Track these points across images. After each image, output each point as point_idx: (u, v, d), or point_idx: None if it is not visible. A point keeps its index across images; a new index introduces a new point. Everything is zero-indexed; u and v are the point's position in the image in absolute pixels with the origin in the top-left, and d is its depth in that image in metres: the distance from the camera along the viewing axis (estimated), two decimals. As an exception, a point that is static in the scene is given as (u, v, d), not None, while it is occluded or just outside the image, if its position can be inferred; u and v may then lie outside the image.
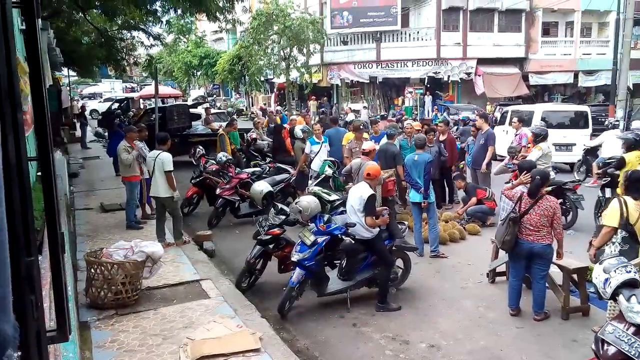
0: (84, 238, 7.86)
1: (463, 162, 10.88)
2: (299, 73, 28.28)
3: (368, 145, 7.85)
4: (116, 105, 26.93)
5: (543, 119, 13.65)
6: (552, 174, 8.68)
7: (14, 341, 1.07)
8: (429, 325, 5.51)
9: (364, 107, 27.63)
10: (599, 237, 5.18)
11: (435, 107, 25.96)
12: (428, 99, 27.87)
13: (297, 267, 5.62)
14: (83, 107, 24.01)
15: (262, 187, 8.73)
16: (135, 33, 19.12)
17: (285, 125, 13.71)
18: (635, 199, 5.00)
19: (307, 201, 6.04)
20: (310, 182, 9.53)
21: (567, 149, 13.95)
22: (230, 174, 9.57)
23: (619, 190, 7.46)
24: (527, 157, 8.35)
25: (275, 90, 36.15)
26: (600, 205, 8.45)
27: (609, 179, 8.24)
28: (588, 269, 5.50)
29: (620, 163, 7.70)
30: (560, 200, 7.96)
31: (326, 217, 6.05)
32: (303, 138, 10.33)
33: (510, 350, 4.99)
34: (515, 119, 10.96)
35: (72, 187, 11.57)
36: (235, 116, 22.98)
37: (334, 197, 8.15)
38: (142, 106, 26.05)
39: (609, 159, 9.52)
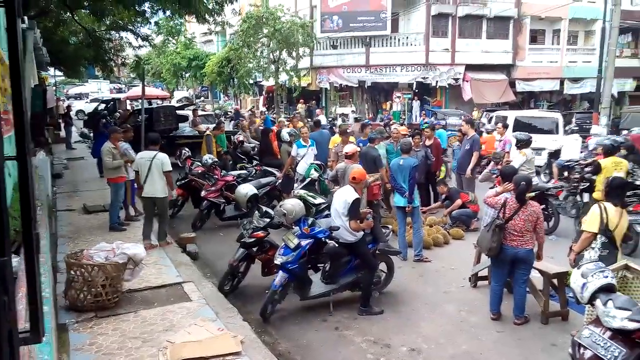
0: (65, 239, 7.77)
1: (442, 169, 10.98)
2: (288, 76, 28.27)
3: (350, 148, 7.87)
4: (103, 106, 26.72)
5: (515, 124, 14.28)
6: (535, 180, 8.78)
7: None
8: (411, 329, 5.53)
9: (352, 111, 27.69)
10: (578, 243, 5.23)
11: (424, 112, 26.10)
12: (416, 104, 28.01)
13: (281, 270, 5.61)
14: (68, 108, 23.71)
15: (246, 189, 8.71)
16: (123, 34, 19.01)
17: (272, 128, 13.70)
18: (615, 205, 5.06)
19: (291, 204, 6.05)
20: (296, 185, 9.53)
21: (537, 153, 14.40)
22: (216, 177, 9.54)
23: (595, 195, 7.66)
24: (510, 163, 8.43)
25: (264, 93, 36.08)
26: (579, 209, 8.62)
27: (587, 184, 8.38)
28: (568, 274, 5.55)
29: (597, 168, 7.82)
30: (543, 206, 8.06)
31: (310, 220, 6.06)
32: (290, 141, 10.34)
33: (491, 354, 5.02)
34: (499, 125, 11.10)
35: (55, 187, 11.45)
36: (222, 118, 22.90)
37: (319, 200, 8.19)
38: (129, 107, 25.83)
39: (567, 161, 10.39)
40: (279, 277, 5.60)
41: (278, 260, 5.61)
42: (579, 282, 3.68)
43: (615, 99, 28.05)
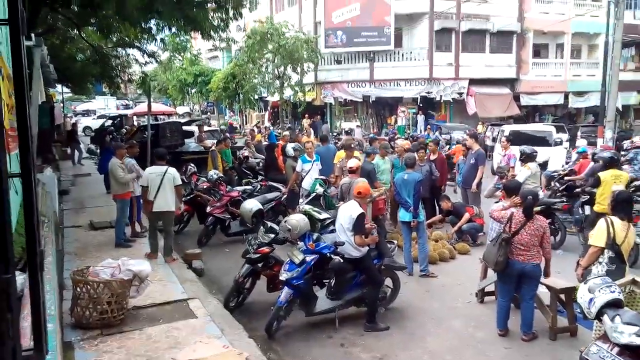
0: (72, 256, 7.78)
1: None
2: (292, 91, 28.46)
3: (353, 162, 7.89)
4: (109, 122, 26.92)
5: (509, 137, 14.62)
6: (541, 194, 8.76)
7: None
8: (418, 345, 5.49)
9: (357, 125, 27.80)
10: (586, 257, 5.20)
11: (429, 126, 26.17)
12: (421, 118, 28.09)
13: (286, 286, 5.59)
14: (74, 125, 23.39)
15: (251, 205, 8.71)
16: (130, 50, 19.25)
17: (277, 143, 13.75)
18: (621, 219, 5.03)
19: (296, 219, 6.04)
20: (301, 200, 9.53)
21: None
22: (221, 192, 9.56)
23: (595, 208, 7.69)
24: (515, 177, 8.42)
25: (269, 108, 36.31)
26: (581, 223, 8.65)
27: (588, 196, 8.41)
28: (575, 289, 5.50)
29: (597, 181, 7.84)
30: (549, 220, 8.04)
31: (315, 235, 6.05)
32: (295, 156, 10.36)
33: (499, 371, 4.97)
34: (503, 139, 11.15)
35: (62, 204, 11.49)
36: (228, 134, 23.00)
37: (324, 215, 8.15)
38: (135, 123, 26.03)
39: (554, 171, 11.21)
40: (284, 293, 5.58)
41: (283, 276, 5.60)
42: (586, 297, 3.66)
43: (620, 112, 28.02)
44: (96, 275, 5.37)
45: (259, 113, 38.67)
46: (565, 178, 10.44)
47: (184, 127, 17.75)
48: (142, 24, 12.68)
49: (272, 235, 6.23)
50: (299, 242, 5.91)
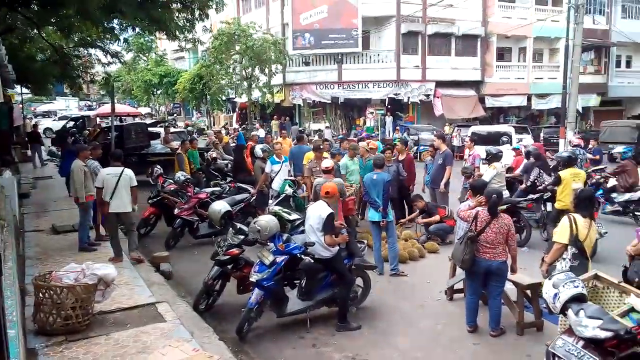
0: (33, 261, 7.54)
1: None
2: (260, 93, 28.32)
3: (328, 163, 7.90)
4: (71, 123, 26.20)
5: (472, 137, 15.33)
6: (506, 193, 8.97)
7: None
8: (389, 344, 5.52)
9: (327, 127, 27.87)
10: (550, 254, 5.33)
11: (397, 127, 26.46)
12: (389, 119, 28.37)
13: (256, 288, 5.54)
14: (36, 127, 22.79)
15: (220, 206, 8.60)
16: (92, 50, 18.78)
17: (246, 144, 13.64)
18: (584, 217, 5.18)
19: (265, 220, 5.99)
20: (270, 201, 9.48)
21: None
22: (189, 194, 9.42)
23: (556, 205, 7.97)
24: (482, 176, 8.59)
25: (237, 109, 36.03)
26: (544, 218, 8.93)
27: (549, 194, 8.69)
28: (540, 285, 5.64)
29: (557, 180, 8.11)
30: (515, 219, 8.24)
31: (285, 236, 6.02)
32: (263, 157, 10.29)
33: (468, 367, 5.04)
34: (467, 139, 11.42)
35: (23, 207, 11.12)
36: (195, 135, 22.70)
37: (294, 216, 8.14)
38: (100, 124, 25.39)
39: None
40: (255, 294, 5.53)
41: (253, 277, 5.55)
42: (550, 293, 3.74)
43: (581, 114, 28.97)
44: (59, 280, 5.22)
45: (226, 114, 38.34)
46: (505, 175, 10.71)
47: (150, 129, 17.43)
48: (105, 24, 12.35)
49: (242, 237, 6.16)
50: (269, 243, 5.86)
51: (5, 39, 12.70)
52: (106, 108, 29.24)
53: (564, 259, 5.18)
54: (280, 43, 26.94)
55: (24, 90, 27.99)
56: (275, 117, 30.60)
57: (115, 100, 15.30)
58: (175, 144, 15.54)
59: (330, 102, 29.11)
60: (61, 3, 9.82)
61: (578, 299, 3.61)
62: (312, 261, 5.87)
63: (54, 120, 37.21)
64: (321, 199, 6.01)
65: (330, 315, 6.06)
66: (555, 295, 3.68)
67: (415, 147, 21.35)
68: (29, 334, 5.10)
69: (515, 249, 5.61)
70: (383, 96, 28.28)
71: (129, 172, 7.75)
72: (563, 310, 3.64)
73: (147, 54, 40.68)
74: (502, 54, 31.00)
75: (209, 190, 10.27)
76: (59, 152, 19.41)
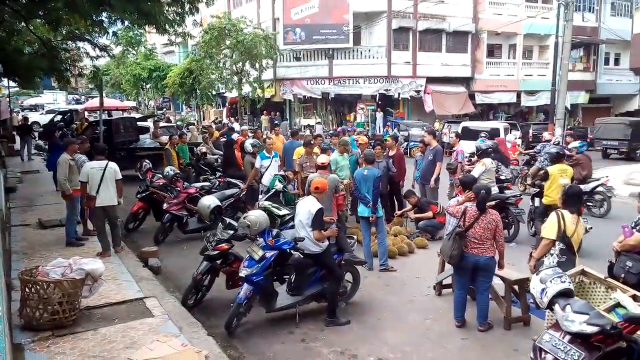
0: (20, 256, 7.46)
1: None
2: (251, 88, 28.18)
3: (323, 158, 7.87)
4: (59, 117, 25.92)
5: (463, 132, 15.79)
6: (495, 189, 9.01)
7: None
8: (378, 339, 5.53)
9: (318, 122, 27.83)
10: (538, 249, 5.37)
11: (388, 123, 26.47)
12: (379, 115, 28.38)
13: (246, 283, 5.53)
14: (26, 119, 22.48)
15: (209, 201, 8.56)
16: (80, 44, 18.51)
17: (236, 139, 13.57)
18: (571, 213, 5.22)
19: (255, 215, 5.97)
20: (260, 196, 9.46)
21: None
22: (178, 189, 9.37)
23: (544, 200, 8.01)
24: (471, 172, 8.62)
25: (227, 104, 35.84)
26: (532, 213, 8.99)
27: (538, 189, 8.76)
28: (528, 280, 5.68)
29: (545, 175, 8.17)
30: (503, 215, 8.30)
31: (275, 231, 6.01)
32: (253, 152, 10.26)
33: (456, 362, 5.07)
34: (452, 135, 11.47)
35: (9, 202, 11.00)
36: (185, 130, 22.57)
37: (284, 211, 8.13)
38: (87, 118, 25.12)
39: None
40: (244, 289, 5.52)
41: (243, 272, 5.54)
42: (538, 288, 3.76)
43: (569, 110, 29.17)
44: (46, 275, 5.18)
45: (217, 109, 38.12)
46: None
47: (139, 123, 17.29)
48: (94, 17, 12.18)
49: (231, 232, 6.15)
50: (258, 239, 5.84)
51: (-9, 32, 12.51)
52: (94, 102, 28.96)
53: (552, 254, 5.21)
54: (271, 38, 26.80)
55: (11, 83, 27.60)
56: (265, 112, 30.49)
57: (104, 94, 15.12)
58: (165, 138, 15.45)
59: (320, 97, 29.06)
60: (49, -5, 9.69)
61: (565, 294, 3.64)
62: (302, 256, 5.87)
63: (41, 114, 36.69)
64: (311, 194, 6.01)
65: (320, 310, 6.07)
66: (543, 290, 3.70)
67: (406, 143, 21.40)
68: (15, 329, 5.05)
69: (502, 245, 5.65)
70: (374, 92, 28.27)
71: (113, 165, 7.74)
72: (550, 305, 3.67)
73: (136, 48, 40.29)
74: (492, 51, 31.10)
75: (198, 185, 10.23)
76: (46, 146, 19.18)
